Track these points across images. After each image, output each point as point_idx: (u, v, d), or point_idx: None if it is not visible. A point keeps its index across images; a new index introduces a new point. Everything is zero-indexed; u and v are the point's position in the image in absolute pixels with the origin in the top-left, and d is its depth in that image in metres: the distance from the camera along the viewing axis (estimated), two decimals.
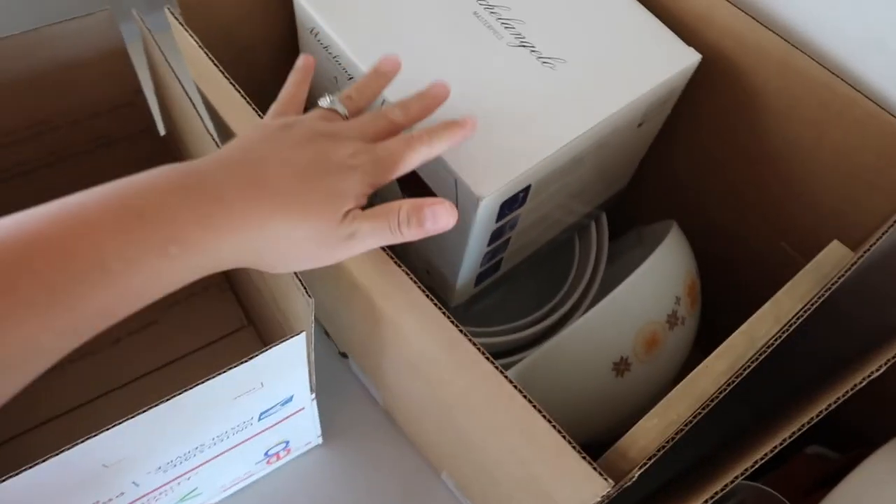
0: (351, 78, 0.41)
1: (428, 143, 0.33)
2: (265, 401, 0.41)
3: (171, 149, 0.57)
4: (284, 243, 0.30)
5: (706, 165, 0.51)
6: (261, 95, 0.51)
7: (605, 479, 0.30)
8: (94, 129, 0.51)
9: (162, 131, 0.56)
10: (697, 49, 0.42)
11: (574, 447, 0.30)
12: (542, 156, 0.37)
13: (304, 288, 0.37)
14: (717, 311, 0.51)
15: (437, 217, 0.32)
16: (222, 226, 0.27)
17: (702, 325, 0.48)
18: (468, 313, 0.53)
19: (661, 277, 0.42)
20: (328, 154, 0.31)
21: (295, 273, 0.38)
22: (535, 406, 0.31)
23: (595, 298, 0.53)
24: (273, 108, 0.35)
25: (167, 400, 0.32)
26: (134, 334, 0.60)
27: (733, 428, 0.53)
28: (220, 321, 0.62)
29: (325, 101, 0.35)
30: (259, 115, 0.39)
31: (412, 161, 0.33)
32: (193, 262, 0.27)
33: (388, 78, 0.36)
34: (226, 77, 0.39)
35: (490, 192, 0.36)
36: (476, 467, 0.44)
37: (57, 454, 0.29)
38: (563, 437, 0.30)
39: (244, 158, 0.30)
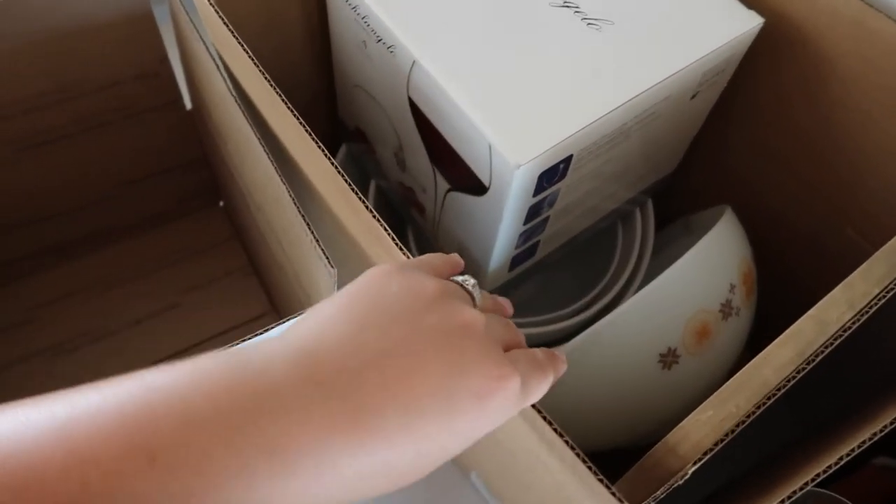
0: (380, 40, 0.38)
1: (557, 371, 0.26)
2: None
3: (196, 125, 0.55)
4: (371, 477, 0.20)
5: (763, 146, 0.47)
6: (290, 68, 0.49)
7: (621, 502, 0.26)
8: (118, 97, 0.50)
9: (189, 105, 0.54)
10: (758, 12, 0.38)
11: (587, 464, 0.27)
12: (586, 122, 0.34)
13: (327, 258, 0.34)
14: (768, 308, 0.47)
15: None
16: (279, 479, 0.18)
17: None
18: None
19: (715, 262, 0.39)
20: (466, 369, 0.22)
21: (317, 243, 0.35)
22: (544, 417, 0.28)
23: (639, 290, 0.50)
24: (411, 261, 0.27)
25: None
26: (154, 316, 0.58)
27: (780, 439, 0.48)
28: (242, 306, 0.60)
29: (467, 281, 0.27)
30: (275, 90, 0.36)
31: (541, 395, 0.25)
32: None
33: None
34: (241, 46, 0.37)
35: (528, 160, 0.33)
36: (506, 469, 0.41)
37: None
38: (577, 453, 0.27)
39: (342, 365, 0.20)
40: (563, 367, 0.27)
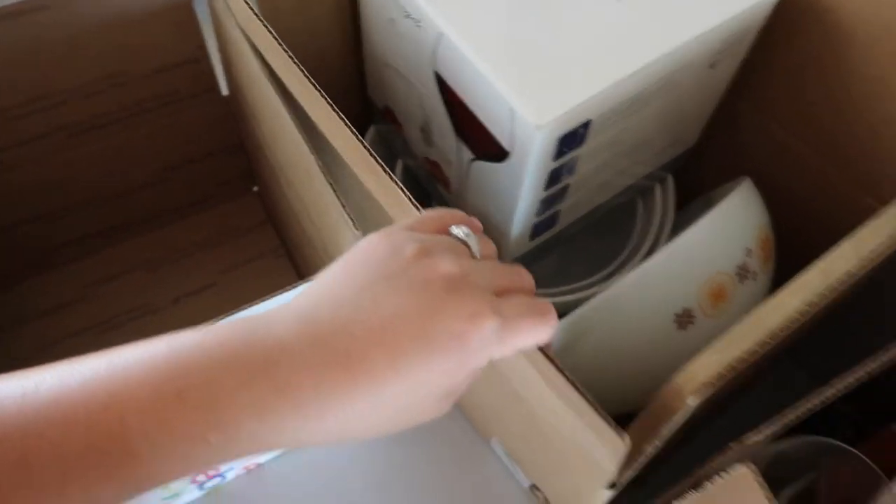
0: (408, 15, 0.40)
1: (554, 323, 0.28)
2: None
3: (233, 110, 0.58)
4: (368, 417, 0.24)
5: (777, 120, 0.48)
6: (321, 50, 0.51)
7: (622, 438, 0.28)
8: (162, 85, 0.53)
9: (225, 91, 0.57)
10: None
11: (590, 401, 0.29)
12: (604, 85, 0.35)
13: (352, 220, 0.36)
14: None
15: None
16: (286, 415, 0.22)
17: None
18: None
19: (731, 226, 0.40)
20: (442, 312, 0.24)
21: (342, 206, 0.37)
22: (549, 359, 0.30)
23: None
24: (405, 221, 0.30)
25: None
26: (193, 295, 0.61)
27: (789, 395, 0.49)
28: (274, 284, 0.61)
29: (459, 231, 0.29)
30: (294, 61, 0.38)
31: (536, 340, 0.27)
32: (240, 449, 0.23)
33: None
34: (269, 31, 0.39)
35: (548, 121, 0.34)
36: (526, 423, 0.42)
37: None
38: (578, 390, 0.29)
39: (334, 322, 0.24)
40: (555, 322, 0.28)
